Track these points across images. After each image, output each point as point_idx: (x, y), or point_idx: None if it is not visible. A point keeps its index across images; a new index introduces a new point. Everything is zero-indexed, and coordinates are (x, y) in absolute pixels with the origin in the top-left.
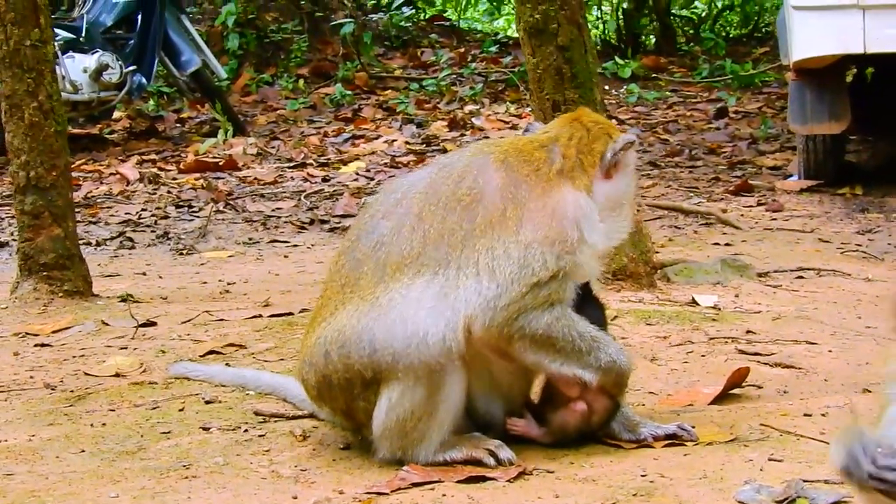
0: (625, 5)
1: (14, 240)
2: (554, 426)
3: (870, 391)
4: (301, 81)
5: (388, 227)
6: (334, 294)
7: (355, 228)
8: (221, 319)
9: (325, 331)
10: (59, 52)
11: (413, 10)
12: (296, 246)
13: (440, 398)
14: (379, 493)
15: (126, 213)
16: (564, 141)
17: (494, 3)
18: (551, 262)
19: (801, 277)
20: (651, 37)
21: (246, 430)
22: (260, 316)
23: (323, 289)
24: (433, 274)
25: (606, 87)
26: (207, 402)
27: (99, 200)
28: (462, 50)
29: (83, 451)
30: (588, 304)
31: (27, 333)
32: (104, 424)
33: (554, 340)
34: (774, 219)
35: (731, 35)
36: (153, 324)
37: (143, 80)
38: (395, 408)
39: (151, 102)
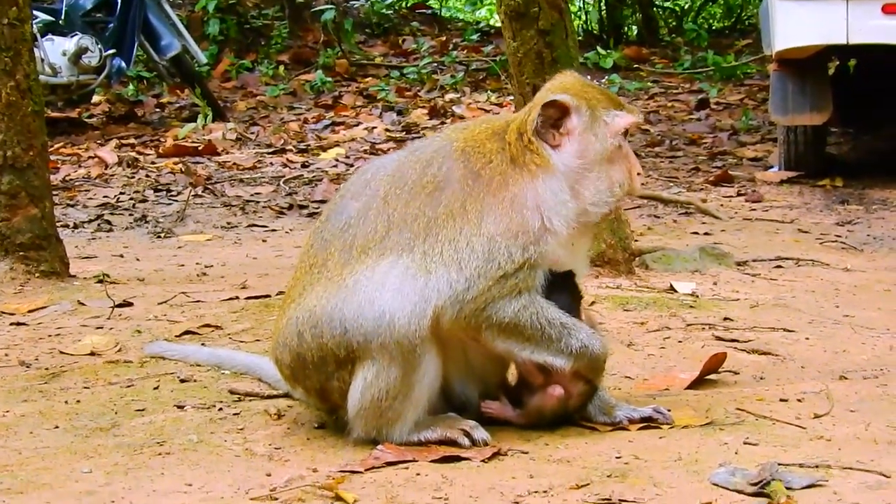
0: None
1: None
2: (530, 409)
3: (846, 378)
4: (281, 68)
5: (356, 208)
6: (303, 275)
7: (326, 209)
8: (198, 301)
9: (295, 311)
10: (39, 35)
11: None
12: (274, 231)
13: (415, 379)
14: (353, 472)
15: (104, 197)
16: (512, 126)
17: None
18: (517, 255)
19: (779, 267)
20: (633, 27)
21: (220, 409)
22: (237, 298)
23: (294, 270)
24: (397, 257)
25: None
26: (182, 381)
27: (77, 183)
28: (443, 38)
29: (57, 427)
30: (563, 291)
31: (3, 312)
32: (78, 401)
33: (522, 329)
34: (754, 209)
35: (713, 27)
36: (129, 304)
37: (123, 65)
38: (370, 388)
39: (131, 87)
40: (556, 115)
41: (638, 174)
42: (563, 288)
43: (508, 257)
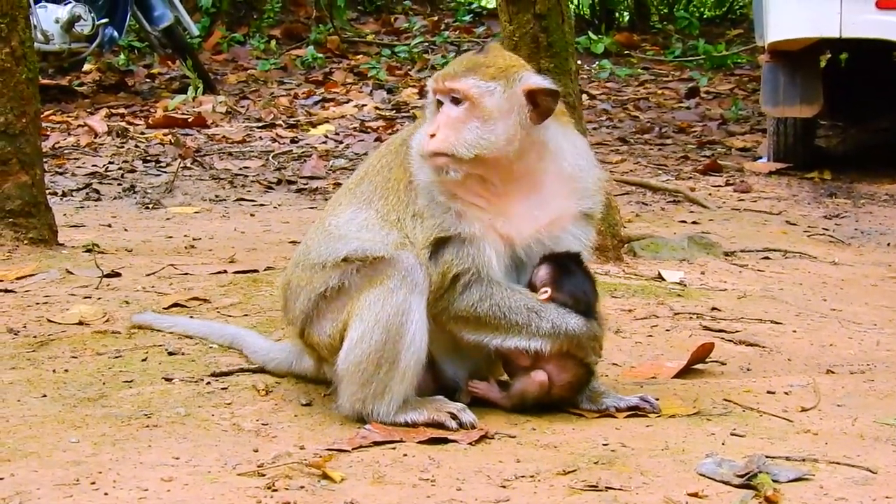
0: None
1: None
2: (514, 393)
3: (833, 372)
4: (273, 42)
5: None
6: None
7: None
8: (186, 273)
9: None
10: (32, 2)
11: None
12: (262, 205)
13: (401, 346)
14: (340, 451)
15: (93, 166)
16: None
17: None
18: (432, 235)
19: (767, 258)
20: (625, 13)
21: (208, 383)
22: (225, 272)
23: None
24: (358, 208)
25: (579, 62)
26: (170, 354)
27: (66, 151)
28: (435, 18)
29: (45, 395)
30: (577, 274)
31: None
32: (66, 371)
33: (485, 319)
34: (742, 199)
35: (705, 15)
36: (118, 275)
37: (115, 34)
38: (355, 349)
39: (122, 56)
40: None
41: (430, 135)
42: (576, 272)
43: (426, 239)
